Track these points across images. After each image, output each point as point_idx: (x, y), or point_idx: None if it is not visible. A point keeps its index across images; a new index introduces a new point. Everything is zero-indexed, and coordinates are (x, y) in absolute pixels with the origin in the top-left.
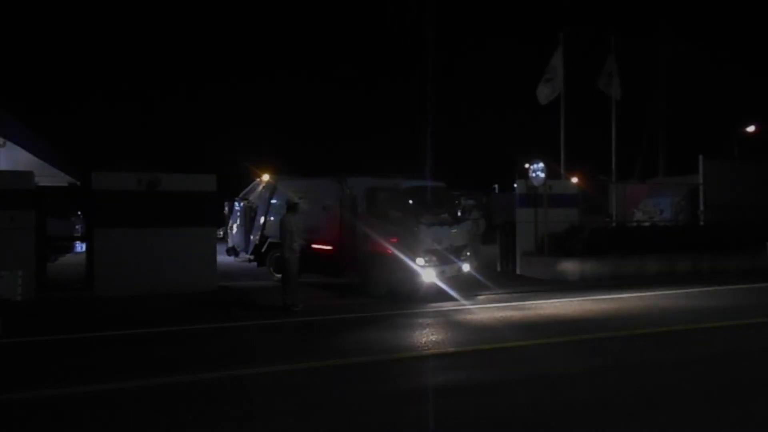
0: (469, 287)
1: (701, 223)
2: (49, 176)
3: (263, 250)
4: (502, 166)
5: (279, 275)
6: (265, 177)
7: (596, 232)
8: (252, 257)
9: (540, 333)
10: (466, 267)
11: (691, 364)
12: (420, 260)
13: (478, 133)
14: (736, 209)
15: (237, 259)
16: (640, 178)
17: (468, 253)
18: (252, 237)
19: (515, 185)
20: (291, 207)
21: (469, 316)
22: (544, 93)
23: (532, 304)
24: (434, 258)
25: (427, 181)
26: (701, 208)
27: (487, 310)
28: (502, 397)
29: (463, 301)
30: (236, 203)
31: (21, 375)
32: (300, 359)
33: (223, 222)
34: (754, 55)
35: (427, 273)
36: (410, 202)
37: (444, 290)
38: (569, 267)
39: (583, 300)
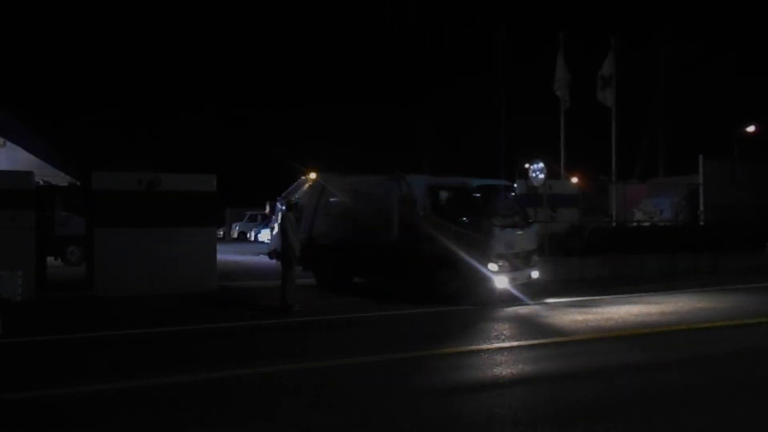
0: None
1: (701, 223)
2: (49, 176)
3: (311, 253)
4: (502, 166)
5: (321, 281)
6: (312, 175)
7: (596, 232)
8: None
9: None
10: (535, 274)
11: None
12: (492, 266)
13: (477, 132)
14: (736, 209)
15: (279, 262)
16: (640, 178)
17: (537, 259)
18: (297, 239)
19: (515, 185)
20: (290, 206)
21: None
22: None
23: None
24: (506, 263)
25: (497, 180)
26: (701, 208)
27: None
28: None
29: (530, 302)
30: (278, 203)
31: (21, 375)
32: (301, 359)
33: (223, 222)
34: (754, 55)
35: (499, 279)
36: (481, 201)
37: (494, 294)
38: (569, 267)
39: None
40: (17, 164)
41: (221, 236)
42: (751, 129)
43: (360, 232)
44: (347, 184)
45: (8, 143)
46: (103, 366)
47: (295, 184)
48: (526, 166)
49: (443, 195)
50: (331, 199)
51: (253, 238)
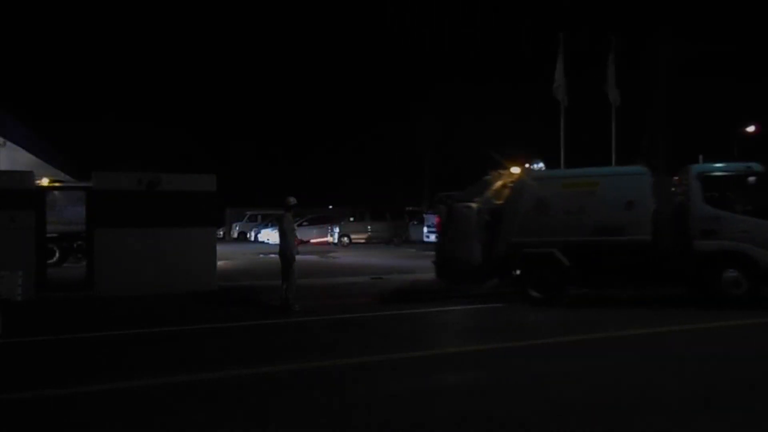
0: None
1: None
2: (49, 176)
3: (511, 263)
4: (501, 166)
5: (538, 294)
6: (514, 170)
7: None
8: (487, 274)
9: None
10: None
11: None
12: None
13: (478, 132)
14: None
15: (452, 282)
16: None
17: None
18: (489, 250)
19: None
20: (289, 207)
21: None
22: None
23: None
24: None
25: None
26: None
27: None
28: None
29: None
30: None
31: (21, 375)
32: (302, 359)
33: (223, 222)
34: (754, 55)
35: None
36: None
37: None
38: None
39: None
40: (17, 164)
41: (221, 236)
42: (751, 129)
43: (593, 233)
44: (567, 179)
45: (8, 143)
46: (103, 366)
47: (479, 183)
48: (526, 166)
49: (717, 182)
50: (545, 198)
51: (253, 238)
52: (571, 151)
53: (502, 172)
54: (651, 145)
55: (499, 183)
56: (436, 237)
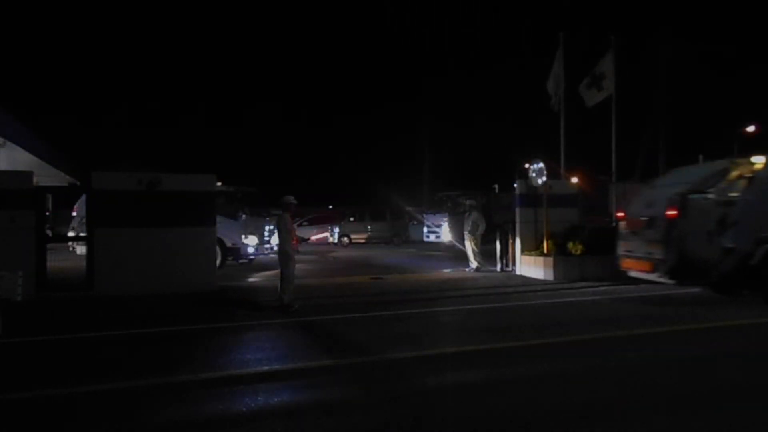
0: None
1: None
2: (49, 176)
3: (753, 261)
4: (502, 166)
5: None
6: (757, 159)
7: (596, 232)
8: (724, 272)
9: None
10: None
11: None
12: None
13: (478, 132)
14: None
15: (689, 282)
16: (640, 178)
17: None
18: (728, 246)
19: (515, 185)
20: (287, 206)
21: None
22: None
23: None
24: None
25: None
26: None
27: None
28: None
29: None
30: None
31: (21, 375)
32: (300, 359)
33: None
34: (755, 55)
35: None
36: None
37: None
38: (569, 267)
39: None
40: (17, 164)
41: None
42: (751, 129)
43: None
44: None
45: (8, 143)
46: (103, 366)
47: (710, 173)
48: (526, 166)
49: None
50: None
51: None
52: (572, 151)
53: (739, 161)
54: (651, 145)
55: (735, 173)
56: (665, 232)
